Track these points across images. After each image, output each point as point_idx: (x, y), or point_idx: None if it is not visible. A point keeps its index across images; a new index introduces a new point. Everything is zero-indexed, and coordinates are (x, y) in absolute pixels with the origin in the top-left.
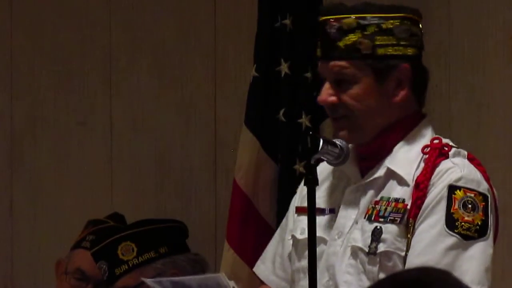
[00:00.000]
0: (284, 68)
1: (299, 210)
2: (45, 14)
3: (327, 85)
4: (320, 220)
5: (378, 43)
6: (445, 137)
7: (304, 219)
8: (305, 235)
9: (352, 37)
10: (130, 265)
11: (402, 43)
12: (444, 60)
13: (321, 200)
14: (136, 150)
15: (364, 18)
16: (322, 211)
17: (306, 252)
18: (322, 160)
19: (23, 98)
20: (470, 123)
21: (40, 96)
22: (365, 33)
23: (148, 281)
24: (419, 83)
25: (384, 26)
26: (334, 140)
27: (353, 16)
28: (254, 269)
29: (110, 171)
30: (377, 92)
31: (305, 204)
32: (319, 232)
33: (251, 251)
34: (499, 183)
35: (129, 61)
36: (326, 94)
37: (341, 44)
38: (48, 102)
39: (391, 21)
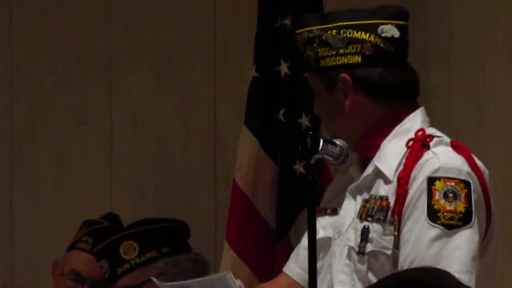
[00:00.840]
0: (284, 68)
1: (318, 212)
2: (45, 14)
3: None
4: (333, 220)
5: (320, 55)
6: (433, 128)
7: (320, 220)
8: (318, 236)
9: (307, 51)
10: (132, 264)
11: (340, 52)
12: (444, 60)
13: (333, 200)
14: (136, 150)
15: (311, 32)
16: (334, 211)
17: (321, 254)
18: (322, 160)
19: (23, 98)
20: (470, 123)
21: (40, 96)
22: (314, 45)
23: (158, 283)
24: (374, 87)
25: (323, 37)
26: (334, 140)
27: (305, 30)
28: (284, 269)
29: (110, 171)
30: (331, 103)
31: (324, 206)
32: (329, 233)
33: (251, 251)
34: (499, 183)
35: (129, 61)
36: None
37: (304, 57)
38: (48, 102)
39: (329, 31)
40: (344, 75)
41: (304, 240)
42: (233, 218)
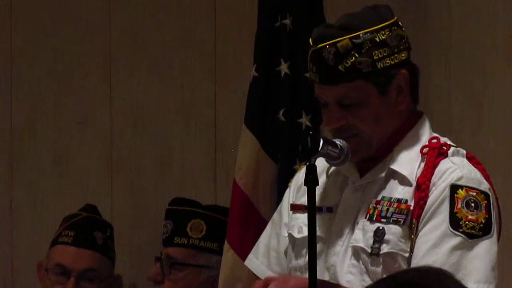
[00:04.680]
0: (284, 68)
1: (295, 208)
2: (45, 14)
3: (331, 109)
4: (318, 218)
5: (376, 57)
6: (444, 137)
7: (300, 217)
8: (303, 234)
9: (350, 59)
10: (190, 243)
11: (395, 50)
12: (444, 60)
13: (317, 198)
14: (136, 150)
15: (357, 37)
16: (319, 210)
17: (304, 251)
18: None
19: (23, 98)
20: (470, 123)
21: (40, 96)
22: (362, 51)
23: None
24: (414, 83)
25: (377, 39)
26: (334, 140)
27: (346, 37)
28: (246, 263)
29: (110, 171)
30: (383, 106)
31: (300, 202)
32: (317, 231)
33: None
34: (499, 183)
35: (129, 61)
36: (334, 118)
37: (340, 68)
38: (48, 102)
39: (382, 31)
40: (403, 71)
41: (273, 241)
42: (233, 218)
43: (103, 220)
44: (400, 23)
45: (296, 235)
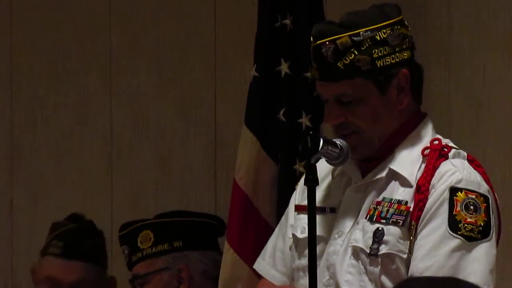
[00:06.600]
0: (284, 68)
1: (299, 209)
2: (45, 14)
3: (331, 106)
4: (321, 219)
5: (375, 56)
6: (445, 137)
7: (304, 218)
8: (306, 234)
9: (349, 56)
10: (144, 254)
11: (397, 49)
12: (444, 60)
13: (321, 199)
14: (136, 150)
15: (357, 35)
16: (322, 210)
17: (306, 251)
18: (320, 158)
19: (23, 98)
20: (470, 123)
21: (40, 96)
22: (362, 48)
23: None
24: (417, 83)
25: (377, 37)
26: (334, 140)
27: (346, 35)
28: (255, 266)
29: (110, 171)
30: (382, 104)
31: (305, 203)
32: (320, 231)
33: (251, 251)
34: (499, 183)
35: (129, 61)
36: (333, 115)
37: (339, 65)
38: (48, 102)
39: (383, 30)
40: (405, 70)
41: (279, 242)
42: (233, 218)
43: (91, 228)
44: (406, 22)
45: (299, 235)
